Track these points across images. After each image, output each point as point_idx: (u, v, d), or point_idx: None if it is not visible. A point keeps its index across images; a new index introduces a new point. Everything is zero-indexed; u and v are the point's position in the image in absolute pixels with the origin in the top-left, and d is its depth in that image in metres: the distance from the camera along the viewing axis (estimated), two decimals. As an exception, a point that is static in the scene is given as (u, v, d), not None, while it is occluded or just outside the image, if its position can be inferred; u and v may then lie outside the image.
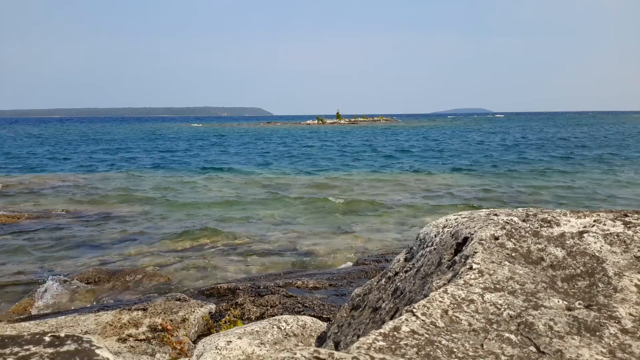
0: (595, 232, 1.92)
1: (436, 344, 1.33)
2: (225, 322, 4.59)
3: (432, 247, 2.15)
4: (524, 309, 1.50)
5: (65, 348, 1.13)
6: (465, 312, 1.49)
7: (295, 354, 1.21)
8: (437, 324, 1.43)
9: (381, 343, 1.32)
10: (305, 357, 1.19)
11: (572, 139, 41.29)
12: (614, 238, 1.88)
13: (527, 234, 1.93)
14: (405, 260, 2.36)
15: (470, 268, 1.71)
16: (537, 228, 1.97)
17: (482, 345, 1.34)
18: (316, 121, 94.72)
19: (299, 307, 5.17)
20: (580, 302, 1.57)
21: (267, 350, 1.82)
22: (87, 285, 6.82)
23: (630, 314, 1.49)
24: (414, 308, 1.51)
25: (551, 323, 1.44)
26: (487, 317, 1.46)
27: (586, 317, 1.48)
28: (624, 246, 1.83)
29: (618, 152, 27.66)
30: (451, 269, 1.83)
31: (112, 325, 3.96)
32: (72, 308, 6.04)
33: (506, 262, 1.75)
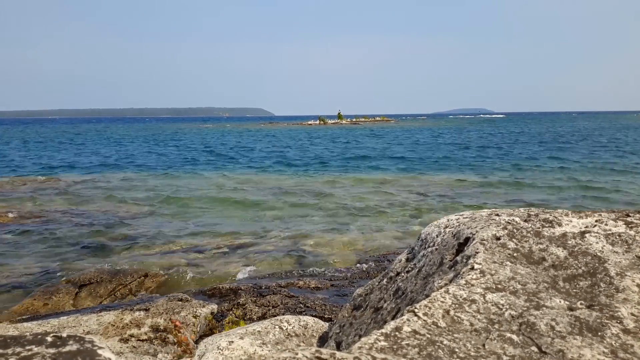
0: (597, 232, 1.92)
1: (438, 344, 1.33)
2: (227, 322, 4.60)
3: (434, 247, 2.15)
4: (525, 309, 1.50)
5: (67, 348, 1.13)
6: (467, 312, 1.48)
7: (297, 354, 1.21)
8: (439, 324, 1.43)
9: (383, 343, 1.32)
10: (307, 357, 1.19)
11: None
12: (616, 238, 1.88)
13: (528, 234, 1.93)
14: (407, 260, 2.36)
15: (472, 268, 1.71)
16: (539, 228, 1.97)
17: (483, 345, 1.34)
18: (318, 121, 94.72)
19: (301, 307, 5.17)
20: (582, 302, 1.56)
21: (269, 351, 1.82)
22: (89, 285, 6.83)
23: (632, 314, 1.49)
24: (415, 308, 1.51)
25: (553, 323, 1.44)
26: (488, 317, 1.46)
27: (588, 317, 1.48)
28: (626, 246, 1.83)
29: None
30: (453, 269, 1.83)
31: (114, 325, 3.96)
32: (74, 308, 6.05)
33: (508, 262, 1.75)
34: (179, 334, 3.74)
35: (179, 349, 3.65)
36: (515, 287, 1.61)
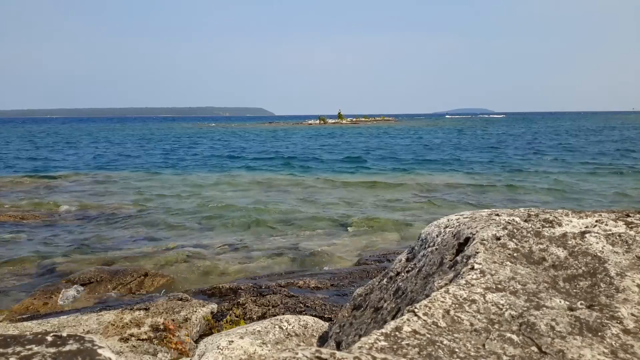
0: (597, 233, 1.92)
1: (438, 344, 1.33)
2: (227, 322, 4.60)
3: (434, 247, 2.15)
4: (525, 309, 1.50)
5: (67, 348, 1.13)
6: (467, 312, 1.48)
7: (297, 353, 1.21)
8: (439, 324, 1.43)
9: (383, 343, 1.32)
10: (307, 357, 1.19)
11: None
12: (616, 238, 1.88)
13: (529, 234, 1.93)
14: (407, 260, 2.36)
15: (472, 268, 1.71)
16: (539, 228, 1.97)
17: (483, 345, 1.34)
18: (318, 121, 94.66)
19: (301, 307, 5.17)
20: (582, 302, 1.56)
21: (269, 350, 1.82)
22: (89, 285, 6.83)
23: (633, 314, 1.49)
24: (415, 308, 1.51)
25: (553, 323, 1.44)
26: (488, 317, 1.46)
27: (588, 317, 1.48)
28: (626, 246, 1.83)
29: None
30: (453, 269, 1.83)
31: (114, 324, 3.96)
32: (74, 308, 6.05)
33: (508, 262, 1.75)
34: (173, 337, 3.74)
35: (174, 351, 3.64)
36: (515, 287, 1.61)
